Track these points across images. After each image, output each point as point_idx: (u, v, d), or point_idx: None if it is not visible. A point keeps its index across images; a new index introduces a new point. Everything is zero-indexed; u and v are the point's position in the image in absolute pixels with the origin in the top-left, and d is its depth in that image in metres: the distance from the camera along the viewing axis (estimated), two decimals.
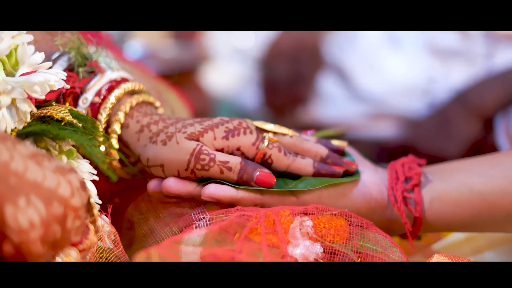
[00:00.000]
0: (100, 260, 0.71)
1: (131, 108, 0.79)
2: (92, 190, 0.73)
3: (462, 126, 1.60)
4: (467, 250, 0.97)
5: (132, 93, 0.81)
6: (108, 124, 0.79)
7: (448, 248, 0.97)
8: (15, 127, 0.69)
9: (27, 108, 0.69)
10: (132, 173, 0.82)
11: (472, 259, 0.96)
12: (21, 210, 0.55)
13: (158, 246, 0.62)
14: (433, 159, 1.63)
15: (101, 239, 0.71)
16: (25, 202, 0.55)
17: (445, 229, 0.82)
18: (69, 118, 0.72)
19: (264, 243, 0.66)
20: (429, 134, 1.66)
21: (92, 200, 0.64)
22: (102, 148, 0.78)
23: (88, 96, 0.79)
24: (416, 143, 1.67)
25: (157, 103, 0.84)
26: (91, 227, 0.63)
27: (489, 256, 0.96)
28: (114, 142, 0.78)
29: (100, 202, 0.74)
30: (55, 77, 0.71)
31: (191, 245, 0.63)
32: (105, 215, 0.73)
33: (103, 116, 0.78)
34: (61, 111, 0.73)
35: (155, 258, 0.59)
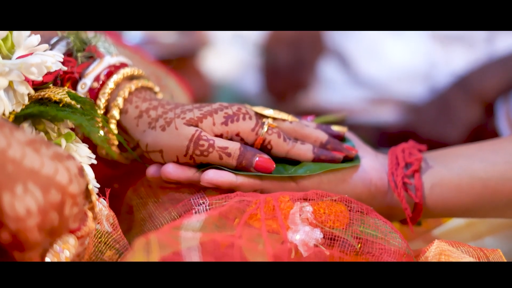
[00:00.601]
0: (99, 244, 0.70)
1: (130, 93, 0.79)
2: (90, 174, 0.72)
3: (463, 111, 1.60)
4: (467, 236, 0.97)
5: (131, 78, 0.81)
6: (107, 109, 0.79)
7: (448, 234, 0.96)
8: (13, 110, 0.69)
9: (25, 90, 0.69)
10: (131, 158, 0.82)
11: (472, 244, 0.96)
12: (18, 197, 0.54)
13: (157, 232, 0.62)
14: (434, 144, 1.63)
15: (99, 223, 0.71)
16: (22, 189, 0.55)
17: (446, 215, 0.82)
18: (67, 99, 0.72)
19: (264, 229, 0.66)
20: (430, 119, 1.65)
21: (90, 187, 0.63)
22: (101, 133, 0.77)
23: (87, 81, 0.78)
24: (416, 128, 1.67)
25: (156, 88, 0.83)
26: (89, 213, 0.63)
27: (489, 242, 0.96)
28: (113, 128, 0.78)
29: (98, 186, 0.73)
30: (52, 59, 0.70)
31: (190, 230, 0.63)
32: (103, 199, 0.73)
33: (101, 102, 0.78)
34: (59, 93, 0.73)
35: (154, 244, 0.59)
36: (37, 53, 0.69)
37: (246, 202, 0.69)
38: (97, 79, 0.78)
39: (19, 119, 0.69)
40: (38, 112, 0.69)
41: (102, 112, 0.78)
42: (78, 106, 0.72)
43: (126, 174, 0.86)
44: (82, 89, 0.78)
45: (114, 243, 0.71)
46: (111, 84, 0.78)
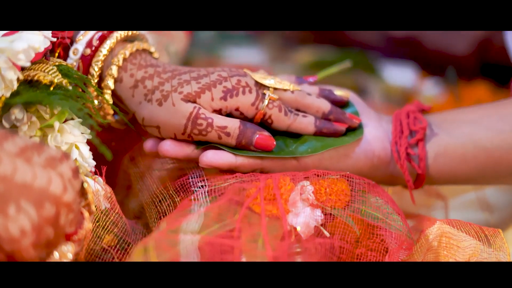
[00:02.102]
0: (97, 229, 0.69)
1: (125, 60, 0.75)
2: (85, 153, 0.70)
3: None
4: (469, 186, 0.96)
5: (125, 39, 0.77)
6: (101, 78, 0.75)
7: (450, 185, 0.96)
8: (2, 95, 0.66)
9: (13, 75, 0.65)
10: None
11: (473, 195, 0.96)
12: (11, 219, 0.53)
13: (155, 236, 0.60)
14: (439, 54, 1.59)
15: (97, 206, 0.69)
16: (15, 209, 0.53)
17: (448, 183, 0.81)
18: (58, 79, 0.69)
19: (264, 223, 0.65)
20: None
21: (85, 185, 0.61)
22: (95, 102, 0.75)
23: (79, 47, 0.75)
24: (422, 36, 1.62)
25: (152, 49, 0.79)
26: (86, 213, 0.61)
27: (490, 192, 0.96)
28: (108, 98, 0.75)
29: (94, 163, 0.72)
30: (39, 38, 0.66)
31: (189, 232, 0.62)
32: (100, 177, 0.71)
33: (95, 70, 0.74)
34: (49, 71, 0.69)
35: (152, 252, 0.58)
36: (22, 34, 0.65)
37: (246, 191, 0.68)
38: (89, 44, 0.74)
39: (9, 105, 0.66)
40: (29, 99, 0.66)
41: (96, 80, 0.75)
42: (70, 87, 0.69)
43: (122, 137, 0.84)
44: (74, 56, 0.75)
45: (112, 227, 0.70)
46: (104, 50, 0.74)
